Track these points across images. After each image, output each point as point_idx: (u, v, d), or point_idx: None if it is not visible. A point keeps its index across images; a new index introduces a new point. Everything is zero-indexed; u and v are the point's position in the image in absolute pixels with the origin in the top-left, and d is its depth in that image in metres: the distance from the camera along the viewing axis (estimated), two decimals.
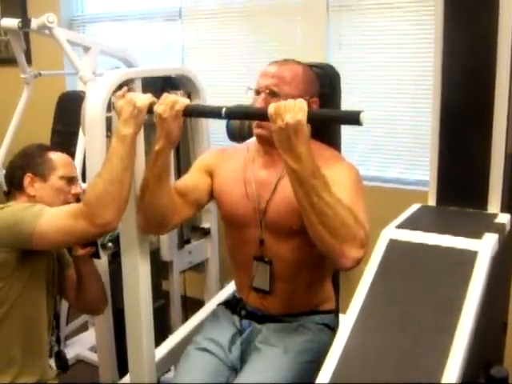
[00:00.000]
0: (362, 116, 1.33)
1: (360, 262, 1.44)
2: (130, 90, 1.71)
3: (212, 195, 1.83)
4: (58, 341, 2.09)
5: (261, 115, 1.48)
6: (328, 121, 1.50)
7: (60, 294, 2.02)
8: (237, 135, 2.13)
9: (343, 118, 1.47)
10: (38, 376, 1.83)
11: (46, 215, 1.66)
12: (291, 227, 1.66)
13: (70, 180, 1.90)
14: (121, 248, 1.84)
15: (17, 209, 1.72)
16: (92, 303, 2.03)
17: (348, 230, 1.42)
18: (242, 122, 2.02)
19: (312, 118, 1.41)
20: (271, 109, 1.42)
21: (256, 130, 1.72)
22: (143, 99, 1.62)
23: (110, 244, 1.92)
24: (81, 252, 1.91)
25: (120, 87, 2.17)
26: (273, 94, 1.65)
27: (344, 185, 1.58)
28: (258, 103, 1.67)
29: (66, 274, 2.00)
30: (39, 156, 1.89)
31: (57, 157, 1.91)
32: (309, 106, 1.70)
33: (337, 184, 1.54)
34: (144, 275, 1.82)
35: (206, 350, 1.74)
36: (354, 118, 1.36)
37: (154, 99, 1.63)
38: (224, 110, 1.52)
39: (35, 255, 1.75)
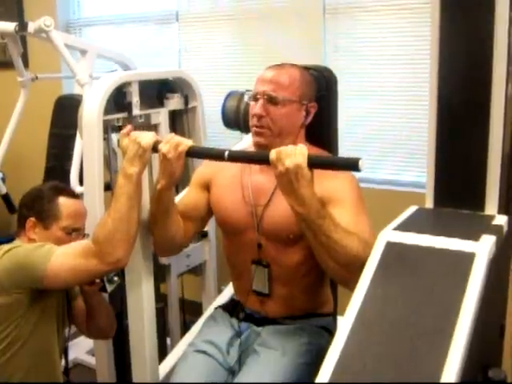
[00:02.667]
0: (360, 163, 1.37)
1: None
2: (134, 128, 1.72)
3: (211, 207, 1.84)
4: (66, 371, 2.08)
5: (263, 159, 1.51)
6: (327, 166, 1.52)
7: (70, 324, 2.02)
8: (232, 122, 2.10)
9: (342, 165, 1.49)
10: None
11: (56, 255, 1.67)
12: (288, 236, 1.67)
13: (73, 231, 1.87)
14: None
15: (26, 250, 1.72)
16: (103, 329, 2.04)
17: (358, 259, 1.42)
18: (238, 108, 2.01)
19: (312, 163, 1.44)
20: (273, 155, 1.44)
21: (255, 138, 1.71)
22: (148, 138, 1.65)
23: (115, 278, 1.94)
24: (88, 288, 1.91)
25: (117, 90, 2.18)
26: (271, 100, 1.65)
27: (346, 201, 1.60)
28: (257, 109, 1.66)
29: (75, 304, 2.00)
30: (48, 200, 1.85)
31: (65, 204, 1.86)
32: (307, 111, 1.70)
33: (338, 200, 1.58)
34: (148, 302, 1.85)
35: (203, 352, 1.74)
36: (352, 165, 1.40)
37: (159, 138, 1.67)
38: (227, 153, 1.55)
39: (46, 293, 1.75)
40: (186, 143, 1.62)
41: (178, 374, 1.73)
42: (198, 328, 2.01)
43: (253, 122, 1.69)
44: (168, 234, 1.74)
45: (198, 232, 1.89)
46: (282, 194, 1.47)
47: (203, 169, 1.90)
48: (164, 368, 1.99)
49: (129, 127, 1.71)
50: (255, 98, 1.69)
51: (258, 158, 1.59)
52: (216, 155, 1.61)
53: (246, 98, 1.78)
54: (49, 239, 1.81)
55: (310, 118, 1.73)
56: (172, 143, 1.60)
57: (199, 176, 1.88)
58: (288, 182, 1.42)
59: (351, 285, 1.40)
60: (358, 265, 1.40)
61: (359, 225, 1.54)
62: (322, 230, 1.44)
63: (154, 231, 1.75)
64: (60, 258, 1.66)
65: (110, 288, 1.94)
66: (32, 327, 1.74)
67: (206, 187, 1.82)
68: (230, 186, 1.77)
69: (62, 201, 1.86)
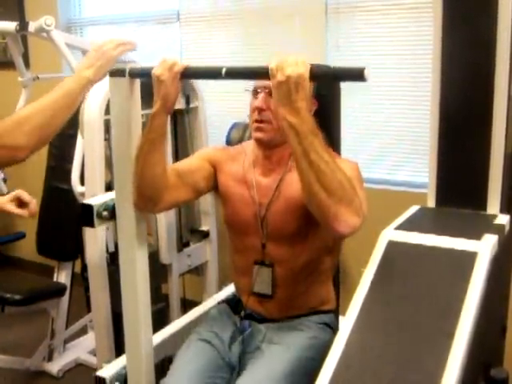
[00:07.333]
0: (366, 72, 1.28)
1: (355, 231, 1.41)
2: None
3: (211, 184, 1.80)
4: None
5: (262, 73, 1.43)
6: (331, 77, 1.44)
7: None
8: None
9: (347, 75, 1.40)
10: None
11: None
12: (291, 229, 1.66)
13: None
14: (119, 247, 1.79)
15: None
16: None
17: (345, 192, 1.38)
18: (243, 135, 2.01)
19: (314, 74, 1.37)
20: (273, 63, 1.39)
21: (255, 134, 1.70)
22: (112, 51, 1.59)
23: (105, 213, 1.87)
24: (14, 210, 1.86)
25: None
26: (272, 93, 1.64)
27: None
28: (258, 102, 1.65)
29: None
30: None
31: None
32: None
33: None
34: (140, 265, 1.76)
35: (207, 341, 1.74)
36: (357, 75, 1.30)
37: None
38: (224, 69, 1.48)
39: None
40: (182, 64, 1.57)
41: (180, 359, 1.73)
42: (195, 316, 2.03)
43: (254, 116, 1.68)
44: (151, 172, 1.62)
45: (185, 199, 1.78)
46: (278, 105, 1.41)
47: (210, 149, 1.90)
48: (157, 337, 1.95)
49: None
50: (255, 92, 1.68)
51: (257, 71, 1.51)
52: (213, 73, 1.56)
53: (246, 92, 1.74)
54: None
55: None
56: (165, 65, 1.55)
57: (205, 152, 1.86)
58: (287, 91, 1.37)
59: (336, 224, 1.38)
60: (346, 200, 1.38)
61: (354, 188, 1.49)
62: (313, 147, 1.37)
63: (138, 164, 1.64)
64: None
65: (97, 224, 1.87)
66: None
67: (211, 164, 1.79)
68: (237, 183, 1.76)
69: None
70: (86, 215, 1.92)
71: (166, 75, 1.54)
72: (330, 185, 1.37)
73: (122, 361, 1.85)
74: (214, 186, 1.82)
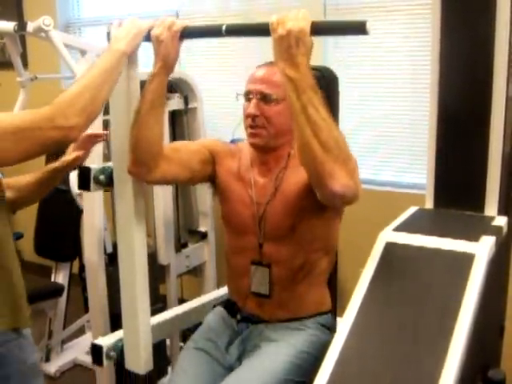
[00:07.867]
0: (368, 25, 1.27)
1: (347, 192, 1.40)
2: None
3: (207, 170, 1.78)
4: None
5: (263, 29, 1.40)
6: (333, 31, 1.44)
7: None
8: None
9: (348, 28, 1.38)
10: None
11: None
12: (288, 229, 1.66)
13: None
14: (118, 249, 1.80)
15: None
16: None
17: (341, 151, 1.38)
18: None
19: (316, 29, 1.35)
20: (273, 19, 1.39)
21: (250, 140, 1.70)
22: (143, 22, 1.62)
23: (102, 177, 1.83)
24: (69, 157, 1.82)
25: None
26: (264, 98, 1.63)
27: None
28: (251, 109, 1.64)
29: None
30: None
31: None
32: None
33: None
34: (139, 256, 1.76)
35: (203, 349, 1.74)
36: (359, 28, 1.29)
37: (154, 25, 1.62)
38: (224, 26, 1.47)
39: None
40: (181, 23, 1.57)
41: (178, 369, 1.73)
42: (197, 303, 2.08)
43: (247, 122, 1.67)
44: (147, 134, 1.62)
45: (178, 175, 1.75)
46: (278, 60, 1.40)
47: (212, 141, 1.88)
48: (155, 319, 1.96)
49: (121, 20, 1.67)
50: (248, 98, 1.66)
51: (258, 27, 1.48)
52: (213, 31, 1.55)
53: (238, 99, 1.73)
54: None
55: None
56: (165, 25, 1.56)
57: (208, 141, 1.85)
58: (287, 46, 1.36)
59: (331, 182, 1.37)
60: (342, 159, 1.38)
61: None
62: (311, 102, 1.37)
63: (135, 126, 1.63)
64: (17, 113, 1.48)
65: (93, 188, 1.85)
66: None
67: (210, 153, 1.78)
68: (236, 178, 1.75)
69: None
70: (83, 178, 1.88)
71: (165, 35, 1.55)
72: (327, 141, 1.37)
73: (118, 334, 1.86)
74: (210, 176, 1.80)
